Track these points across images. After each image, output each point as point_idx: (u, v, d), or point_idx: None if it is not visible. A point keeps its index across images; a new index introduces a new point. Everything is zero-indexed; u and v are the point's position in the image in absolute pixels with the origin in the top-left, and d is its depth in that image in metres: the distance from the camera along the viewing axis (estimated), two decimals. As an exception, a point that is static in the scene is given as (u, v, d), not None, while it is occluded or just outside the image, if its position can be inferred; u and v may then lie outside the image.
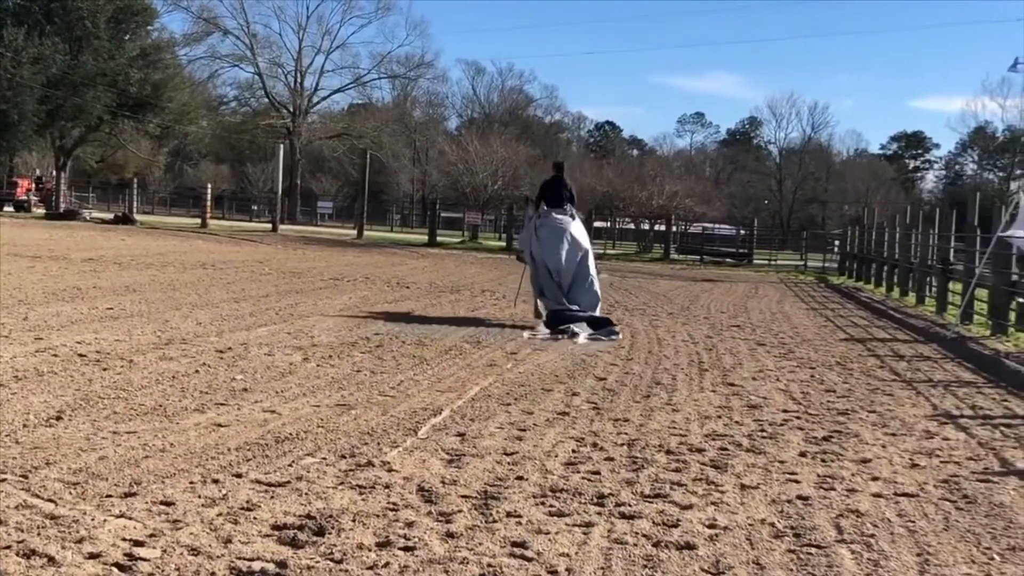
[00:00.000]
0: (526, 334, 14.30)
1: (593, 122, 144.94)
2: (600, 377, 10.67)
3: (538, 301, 16.12)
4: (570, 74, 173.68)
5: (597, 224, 62.32)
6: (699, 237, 61.99)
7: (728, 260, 52.45)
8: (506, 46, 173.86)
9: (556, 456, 6.93)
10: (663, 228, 58.01)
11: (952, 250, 22.97)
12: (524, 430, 7.74)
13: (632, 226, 66.62)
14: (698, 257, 53.18)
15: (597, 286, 16.49)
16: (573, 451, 7.12)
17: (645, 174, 66.60)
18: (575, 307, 15.70)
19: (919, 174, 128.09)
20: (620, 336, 14.69)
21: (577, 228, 16.67)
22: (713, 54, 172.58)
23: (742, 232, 64.98)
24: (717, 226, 72.67)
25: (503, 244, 54.14)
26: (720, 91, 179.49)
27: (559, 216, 16.58)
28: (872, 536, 5.51)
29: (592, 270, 16.40)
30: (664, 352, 13.17)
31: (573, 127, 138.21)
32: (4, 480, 5.62)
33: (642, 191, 61.98)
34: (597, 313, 15.98)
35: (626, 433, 7.83)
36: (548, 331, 14.66)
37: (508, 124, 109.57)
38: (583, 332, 14.63)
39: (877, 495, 6.39)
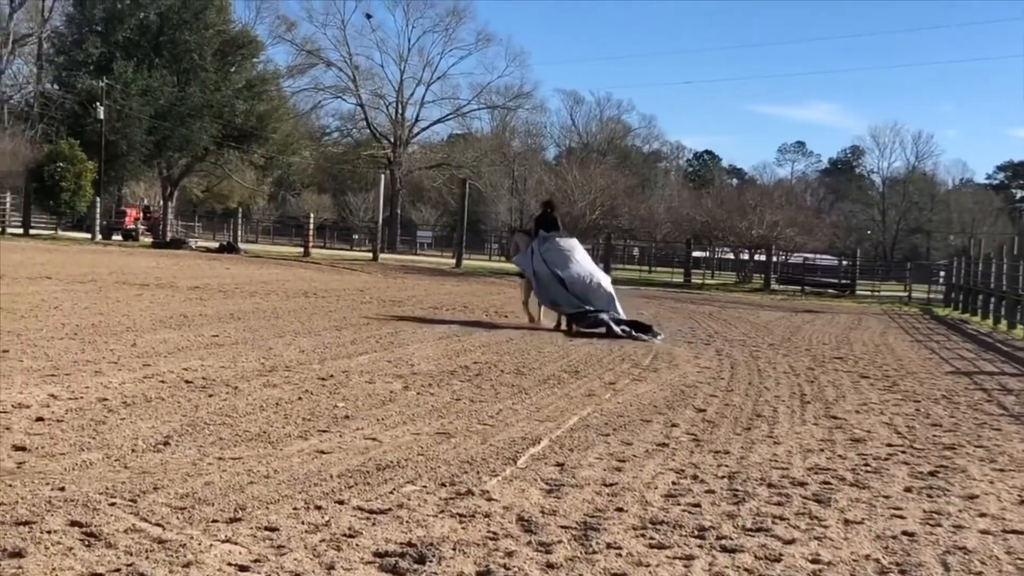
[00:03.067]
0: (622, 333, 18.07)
1: (691, 151, 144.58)
2: (700, 408, 10.59)
3: (543, 310, 19.84)
4: (668, 103, 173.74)
5: (696, 254, 61.97)
6: (800, 267, 61.22)
7: (830, 291, 51.69)
8: (605, 76, 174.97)
9: (656, 488, 6.89)
10: (763, 258, 57.44)
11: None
12: (623, 461, 7.71)
13: (731, 256, 66.09)
14: (799, 288, 52.52)
15: (608, 288, 19.31)
16: (673, 483, 7.08)
17: (745, 203, 66.08)
18: (589, 307, 18.81)
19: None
20: (664, 337, 18.10)
21: (579, 246, 20.55)
22: (813, 83, 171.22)
23: (844, 262, 64.06)
24: (818, 256, 71.76)
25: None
26: (821, 120, 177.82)
27: (563, 240, 20.27)
28: (980, 573, 5.38)
29: (599, 278, 19.52)
30: (765, 384, 13.03)
31: (672, 156, 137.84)
32: (114, 504, 5.75)
33: (742, 221, 61.54)
34: (619, 312, 18.97)
35: (727, 465, 7.76)
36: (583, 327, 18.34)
37: (606, 153, 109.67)
38: (616, 326, 18.17)
39: (985, 532, 6.25)
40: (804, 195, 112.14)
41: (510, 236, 25.61)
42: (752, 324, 24.84)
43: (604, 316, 18.67)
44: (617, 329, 18.28)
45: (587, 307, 18.94)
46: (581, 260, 19.93)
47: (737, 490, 6.95)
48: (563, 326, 19.35)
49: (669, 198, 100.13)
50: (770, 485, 7.17)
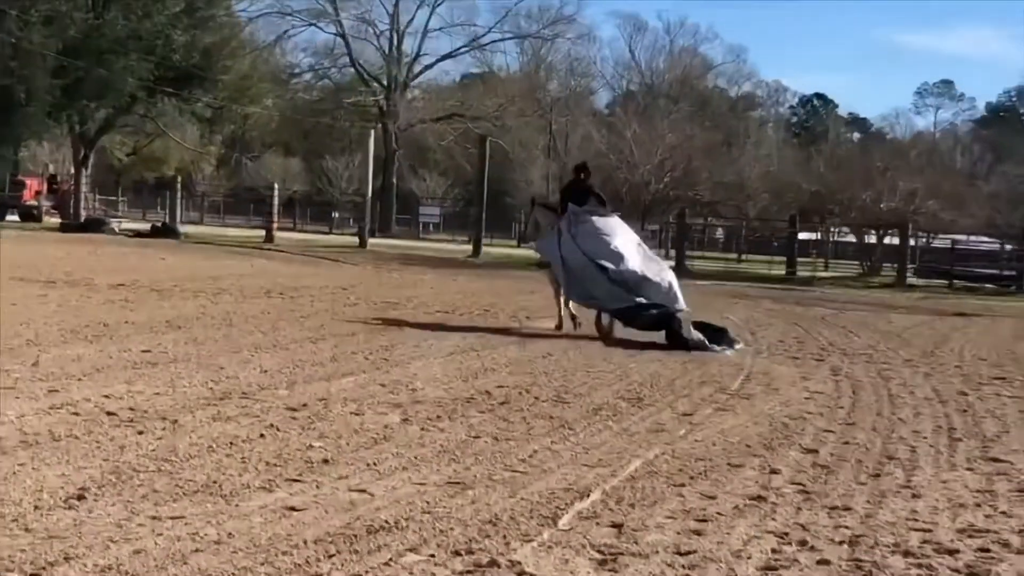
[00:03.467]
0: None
1: (797, 95, 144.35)
2: (809, 448, 10.56)
3: (570, 305, 20.17)
4: (765, 31, 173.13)
5: (803, 236, 61.78)
6: (948, 254, 60.93)
7: (989, 286, 51.49)
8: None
9: (749, 557, 6.88)
10: (896, 242, 57.23)
11: None
12: (704, 521, 7.70)
13: (852, 239, 65.87)
14: (946, 282, 52.33)
15: (667, 278, 19.80)
16: (773, 551, 7.07)
17: (870, 166, 65.83)
18: (642, 299, 19.17)
19: None
20: (743, 347, 18.52)
21: (622, 225, 20.78)
22: (965, 2, 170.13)
23: (1008, 247, 63.74)
24: (973, 239, 71.40)
25: (670, 263, 53.95)
26: (975, 52, 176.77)
27: (596, 215, 20.42)
28: None
29: (653, 266, 20.11)
30: (899, 414, 12.98)
31: (769, 102, 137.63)
32: (11, 579, 5.79)
33: (866, 191, 61.31)
34: (681, 305, 19.39)
35: (847, 526, 7.74)
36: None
37: (678, 99, 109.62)
38: (685, 331, 18.36)
39: None
40: (953, 154, 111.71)
41: (528, 211, 26.30)
42: (881, 332, 24.77)
43: (665, 314, 19.02)
44: (692, 336, 18.43)
45: (639, 299, 19.24)
46: (625, 242, 20.19)
47: (861, 561, 6.93)
48: (604, 329, 19.75)
49: (766, 159, 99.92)
50: (907, 554, 7.14)
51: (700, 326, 19.13)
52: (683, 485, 8.74)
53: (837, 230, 67.33)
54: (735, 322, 24.11)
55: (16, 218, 61.26)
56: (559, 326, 20.25)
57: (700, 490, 8.61)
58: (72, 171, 70.24)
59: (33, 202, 63.12)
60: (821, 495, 8.66)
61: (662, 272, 19.86)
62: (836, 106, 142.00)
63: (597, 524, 7.46)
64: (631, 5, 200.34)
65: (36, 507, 7.14)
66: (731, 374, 15.68)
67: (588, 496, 8.16)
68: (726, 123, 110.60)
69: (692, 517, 7.77)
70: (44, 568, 5.97)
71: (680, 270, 49.04)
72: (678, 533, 7.35)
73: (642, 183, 65.93)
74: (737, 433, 11.17)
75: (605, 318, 19.79)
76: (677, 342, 18.33)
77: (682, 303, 19.46)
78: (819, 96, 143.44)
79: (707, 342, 18.30)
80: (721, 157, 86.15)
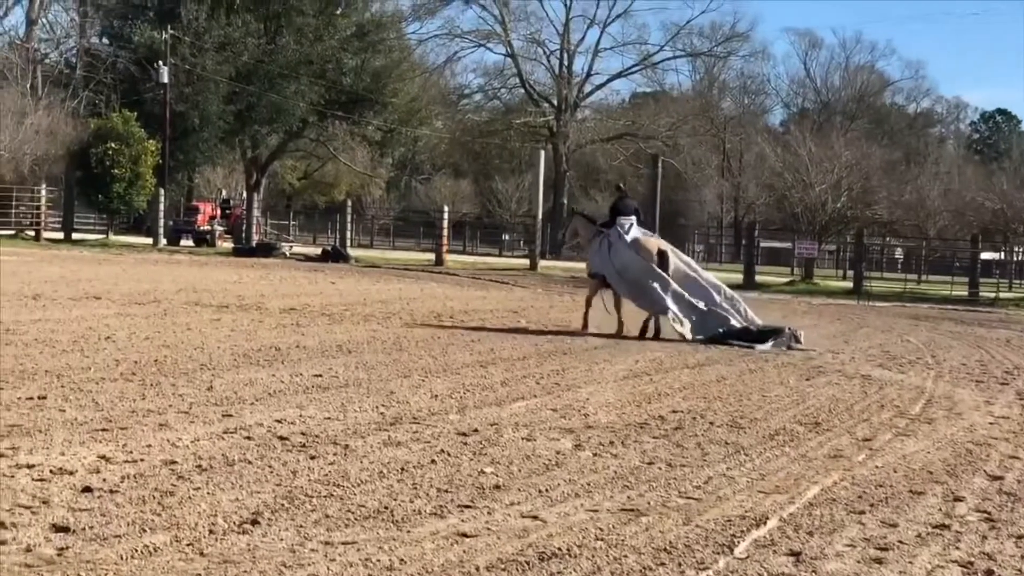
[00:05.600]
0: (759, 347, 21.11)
1: (978, 111, 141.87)
2: (994, 475, 10.36)
3: (620, 310, 23.18)
4: (944, 45, 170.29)
5: (985, 256, 60.64)
6: None
7: None
8: (852, 9, 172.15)
9: (933, 588, 6.77)
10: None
11: None
12: (885, 549, 7.59)
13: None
14: None
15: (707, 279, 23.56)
16: (958, 582, 6.95)
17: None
18: (701, 304, 22.48)
19: None
20: (801, 342, 21.75)
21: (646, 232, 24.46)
22: None
23: None
24: None
25: (847, 285, 53.36)
26: None
27: (637, 228, 23.77)
28: None
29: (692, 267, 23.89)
30: (1089, 440, 12.68)
31: (948, 119, 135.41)
32: (187, 603, 5.89)
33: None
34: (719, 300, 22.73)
35: (1035, 557, 7.59)
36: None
37: (855, 117, 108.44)
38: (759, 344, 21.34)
39: None
40: None
41: (568, 220, 30.25)
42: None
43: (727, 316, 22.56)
44: (754, 324, 22.66)
45: (700, 304, 22.58)
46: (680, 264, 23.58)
47: (1050, 593, 6.78)
48: (649, 332, 22.90)
49: (945, 178, 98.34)
50: (1099, 586, 6.97)
51: (760, 331, 22.34)
52: (863, 512, 8.62)
53: (1021, 249, 65.91)
54: (916, 344, 23.75)
55: (190, 243, 62.25)
56: (584, 326, 23.01)
57: (881, 518, 8.49)
58: (244, 196, 71.28)
59: (207, 227, 64.02)
60: (1008, 523, 8.50)
61: (699, 276, 23.58)
62: (1020, 122, 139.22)
63: (774, 552, 7.39)
64: (806, 21, 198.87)
65: (211, 531, 7.27)
66: (912, 398, 15.44)
67: (765, 523, 8.09)
68: (904, 141, 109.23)
69: (873, 545, 7.67)
70: (219, 593, 6.06)
71: (856, 288, 48.57)
72: (858, 562, 7.26)
73: (818, 202, 65.12)
74: (919, 459, 11.00)
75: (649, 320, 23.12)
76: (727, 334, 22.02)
77: (741, 316, 22.67)
78: (1001, 112, 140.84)
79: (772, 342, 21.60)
80: (899, 175, 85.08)
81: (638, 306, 23.07)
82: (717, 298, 22.79)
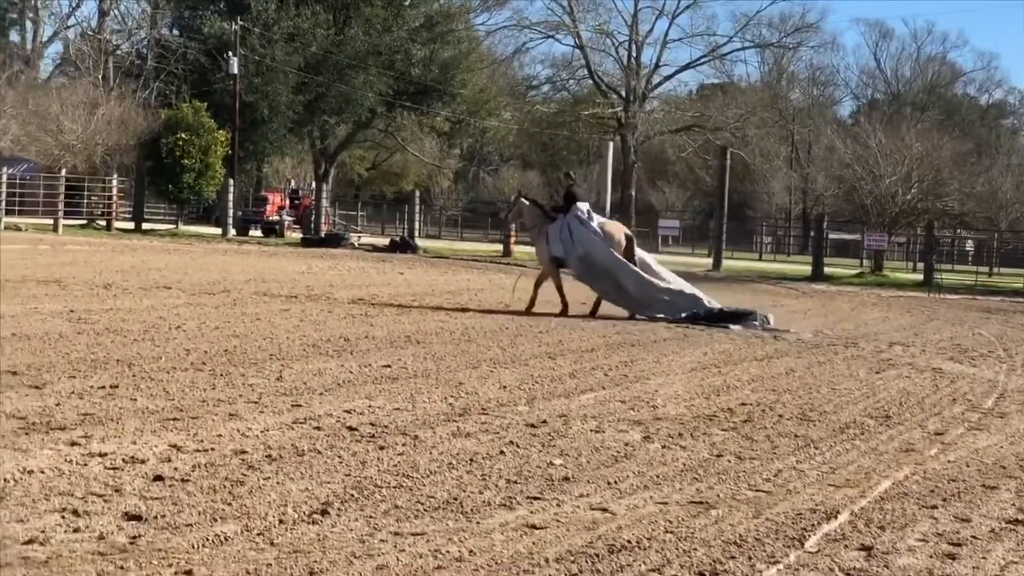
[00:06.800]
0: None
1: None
2: (1069, 471, 10.27)
3: (518, 283, 25.76)
4: (1017, 35, 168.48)
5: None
6: None
7: None
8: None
9: (1006, 584, 6.72)
10: None
11: None
12: (958, 544, 7.54)
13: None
14: None
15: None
16: (1032, 578, 6.89)
17: None
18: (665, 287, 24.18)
19: None
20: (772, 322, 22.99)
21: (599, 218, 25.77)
22: None
23: None
24: None
25: (917, 277, 52.95)
26: None
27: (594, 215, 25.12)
28: None
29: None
30: None
31: (1021, 110, 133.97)
32: (258, 592, 5.92)
33: None
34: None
35: (1110, 554, 7.51)
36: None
37: (925, 108, 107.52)
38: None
39: None
40: None
41: (512, 203, 29.54)
42: None
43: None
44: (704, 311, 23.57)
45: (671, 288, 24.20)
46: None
47: None
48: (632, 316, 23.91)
49: (1018, 170, 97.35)
50: None
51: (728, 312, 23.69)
52: (935, 507, 8.57)
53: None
54: (987, 337, 23.55)
55: (259, 233, 62.45)
56: (532, 306, 24.16)
57: (953, 512, 8.43)
58: (313, 186, 71.53)
59: (276, 217, 64.14)
60: (1083, 520, 8.41)
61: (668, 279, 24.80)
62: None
63: (845, 547, 7.36)
64: (876, 11, 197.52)
65: (281, 521, 7.31)
66: (984, 392, 15.35)
67: (836, 517, 8.06)
68: (975, 132, 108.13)
69: (945, 540, 7.63)
70: (289, 582, 6.09)
71: (926, 280, 48.20)
72: (931, 557, 7.21)
73: (888, 194, 64.56)
74: (992, 453, 10.92)
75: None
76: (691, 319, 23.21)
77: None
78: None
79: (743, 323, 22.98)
80: (971, 167, 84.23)
81: (597, 291, 24.65)
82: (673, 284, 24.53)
